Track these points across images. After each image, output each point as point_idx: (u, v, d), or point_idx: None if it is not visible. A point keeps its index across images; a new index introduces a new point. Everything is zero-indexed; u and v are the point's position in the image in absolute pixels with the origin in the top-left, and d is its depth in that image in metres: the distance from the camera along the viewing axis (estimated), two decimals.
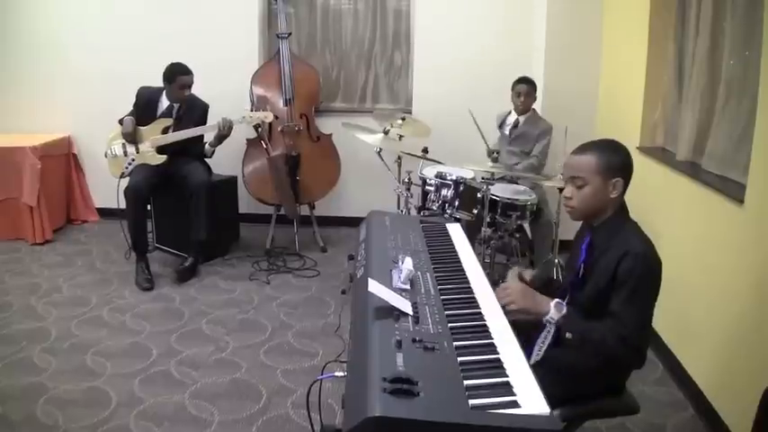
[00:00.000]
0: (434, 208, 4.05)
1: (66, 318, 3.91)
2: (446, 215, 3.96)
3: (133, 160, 4.53)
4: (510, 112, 4.60)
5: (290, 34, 5.20)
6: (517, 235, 4.29)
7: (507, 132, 4.57)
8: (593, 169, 2.07)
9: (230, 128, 4.52)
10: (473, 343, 1.74)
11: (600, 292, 2.05)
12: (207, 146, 4.66)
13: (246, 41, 5.47)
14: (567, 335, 2.09)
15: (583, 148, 2.14)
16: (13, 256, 4.94)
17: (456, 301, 2.01)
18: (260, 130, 4.58)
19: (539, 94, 4.62)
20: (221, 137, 4.56)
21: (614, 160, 2.07)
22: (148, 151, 4.51)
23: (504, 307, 2.00)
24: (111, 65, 5.51)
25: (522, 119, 4.53)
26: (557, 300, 2.04)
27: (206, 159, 4.77)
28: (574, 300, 2.19)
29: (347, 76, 5.74)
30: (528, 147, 4.53)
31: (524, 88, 4.46)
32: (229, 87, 5.14)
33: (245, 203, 5.36)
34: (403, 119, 4.53)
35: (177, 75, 4.47)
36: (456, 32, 5.34)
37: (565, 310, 2.02)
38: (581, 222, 2.31)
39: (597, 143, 2.15)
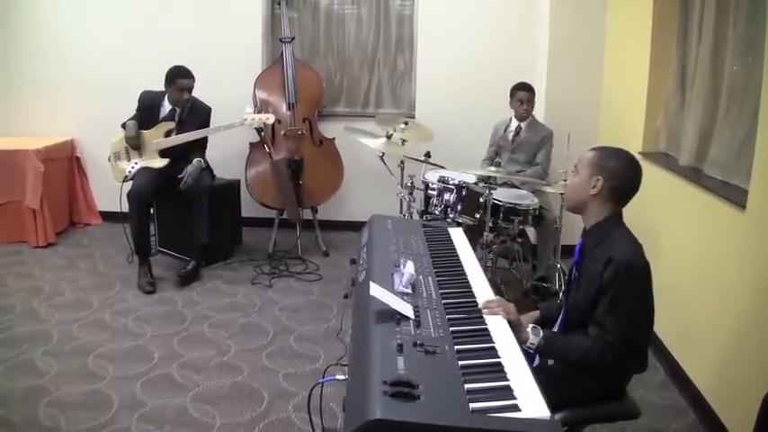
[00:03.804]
0: (437, 212, 4.05)
1: (69, 321, 3.91)
2: (448, 219, 3.96)
3: (136, 164, 4.54)
4: (510, 120, 4.58)
5: (293, 38, 5.21)
6: (519, 240, 4.28)
7: (510, 139, 4.56)
8: (586, 162, 2.15)
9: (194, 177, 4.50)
10: (474, 347, 1.75)
11: (590, 298, 2.07)
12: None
13: (250, 45, 5.49)
14: (550, 362, 2.11)
15: (597, 147, 2.22)
16: (16, 259, 4.95)
17: (457, 304, 2.01)
18: (263, 134, 4.59)
19: (541, 100, 4.62)
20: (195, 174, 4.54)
21: (607, 163, 2.11)
22: (151, 155, 4.52)
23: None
24: (115, 69, 5.54)
25: (523, 125, 4.51)
26: (531, 324, 2.08)
27: (209, 161, 4.78)
28: (569, 303, 2.20)
29: (350, 80, 5.75)
30: (530, 154, 4.52)
31: (526, 95, 4.44)
32: (232, 91, 5.13)
33: (248, 207, 5.37)
34: (406, 123, 4.54)
35: (177, 77, 4.48)
36: (459, 37, 5.35)
37: (542, 334, 2.05)
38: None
39: (609, 148, 2.20)
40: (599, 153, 2.15)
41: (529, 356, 1.92)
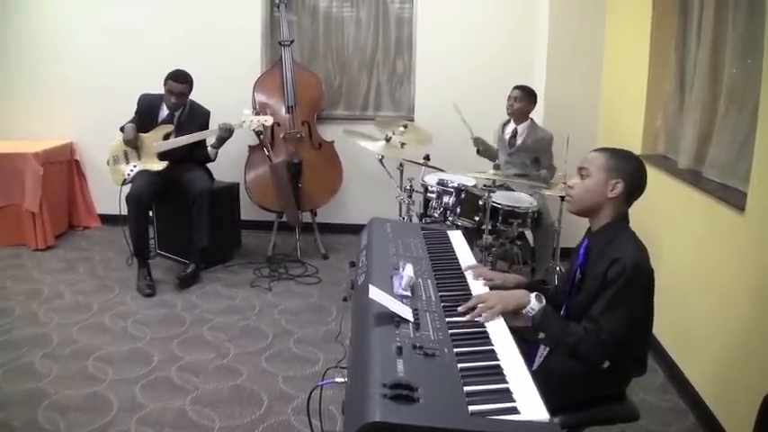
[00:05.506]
0: (436, 215, 4.05)
1: (68, 324, 3.91)
2: (447, 222, 3.96)
3: (135, 167, 4.54)
4: (509, 121, 4.58)
5: (292, 41, 5.22)
6: (518, 242, 4.28)
7: (506, 142, 4.55)
8: (601, 164, 2.14)
9: (229, 131, 4.52)
10: (473, 349, 1.75)
11: (591, 299, 2.06)
12: (209, 147, 4.67)
13: (249, 49, 5.50)
14: (540, 334, 2.09)
15: (602, 148, 2.21)
16: (15, 262, 4.95)
17: (457, 307, 2.00)
18: (262, 136, 4.59)
19: (540, 103, 4.62)
20: (222, 139, 4.56)
21: (623, 165, 2.12)
22: (150, 158, 4.52)
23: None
24: (114, 72, 5.54)
25: (520, 129, 4.49)
26: (536, 292, 2.08)
27: (208, 164, 4.78)
28: (571, 305, 2.19)
29: (349, 83, 5.76)
30: (529, 159, 4.51)
31: (517, 93, 4.42)
32: (232, 94, 5.13)
33: (247, 210, 5.37)
34: (405, 126, 4.54)
35: (167, 79, 4.48)
36: (458, 40, 5.36)
37: (544, 302, 2.05)
38: (583, 231, 2.32)
39: (618, 149, 2.20)
40: (612, 155, 2.14)
41: (528, 359, 1.91)
